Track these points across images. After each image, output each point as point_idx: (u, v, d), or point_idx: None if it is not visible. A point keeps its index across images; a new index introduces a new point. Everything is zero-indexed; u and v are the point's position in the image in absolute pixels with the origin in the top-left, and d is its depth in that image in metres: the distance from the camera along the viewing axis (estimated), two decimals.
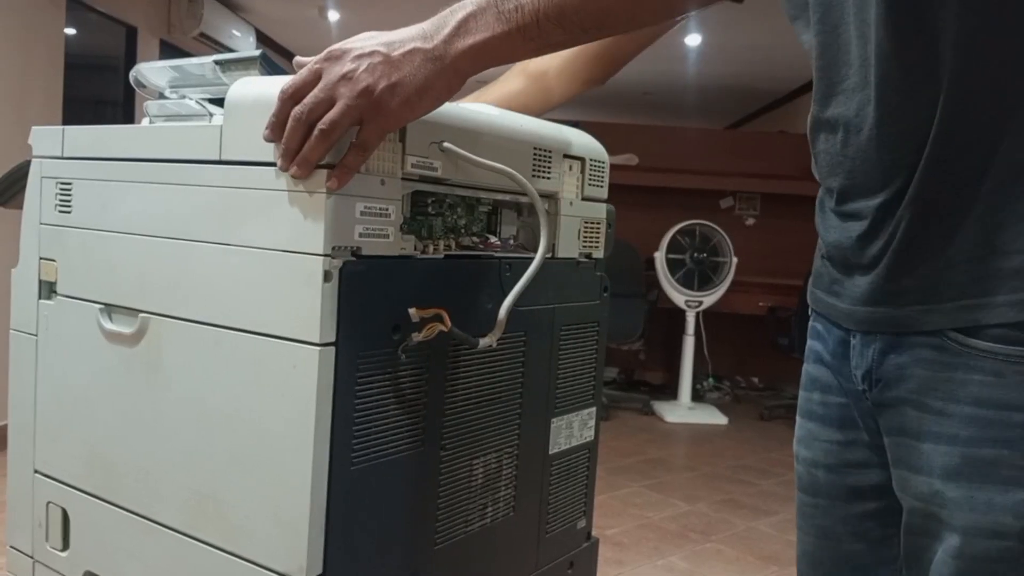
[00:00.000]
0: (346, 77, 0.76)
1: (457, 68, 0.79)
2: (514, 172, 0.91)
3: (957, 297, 0.71)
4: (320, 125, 0.76)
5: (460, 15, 0.79)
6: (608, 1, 0.82)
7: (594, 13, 0.81)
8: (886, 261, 0.75)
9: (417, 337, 0.82)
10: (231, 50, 5.30)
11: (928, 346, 0.73)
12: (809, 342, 0.89)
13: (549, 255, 0.98)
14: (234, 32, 5.51)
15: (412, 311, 0.81)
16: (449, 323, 0.84)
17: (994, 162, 0.70)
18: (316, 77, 0.78)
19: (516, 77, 1.25)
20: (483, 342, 0.89)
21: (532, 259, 0.90)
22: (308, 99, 0.77)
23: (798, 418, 0.90)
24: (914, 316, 0.74)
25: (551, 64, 1.24)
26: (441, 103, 0.81)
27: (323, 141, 0.76)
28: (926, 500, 0.74)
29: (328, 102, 0.76)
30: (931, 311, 0.73)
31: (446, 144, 0.86)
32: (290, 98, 0.78)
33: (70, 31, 3.93)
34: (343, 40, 0.80)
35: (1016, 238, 0.69)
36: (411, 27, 0.80)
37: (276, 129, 0.78)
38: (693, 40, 5.93)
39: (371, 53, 0.77)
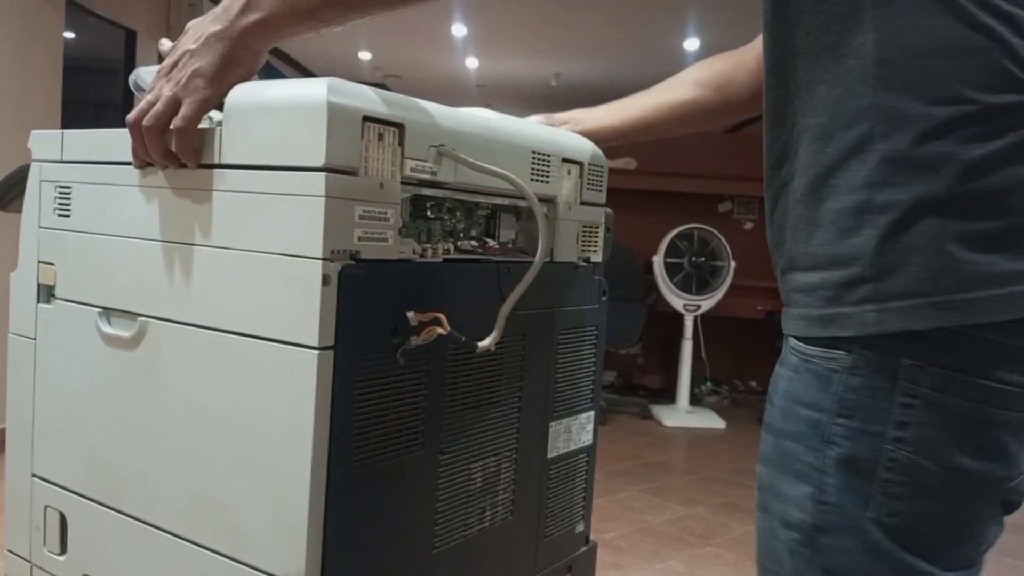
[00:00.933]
0: (169, 81, 0.86)
1: (245, 44, 0.85)
2: (513, 176, 0.91)
3: (785, 304, 0.80)
4: (147, 124, 0.85)
5: None
6: None
7: None
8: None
9: (416, 340, 0.82)
10: None
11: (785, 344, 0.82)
12: None
13: (547, 259, 0.98)
14: None
15: (411, 314, 0.81)
16: (448, 326, 0.84)
17: (790, 184, 0.77)
18: (156, 98, 0.87)
19: (688, 87, 1.25)
20: (481, 345, 0.89)
21: (531, 263, 0.90)
22: (143, 111, 0.86)
23: None
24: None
25: (733, 78, 1.20)
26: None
27: (156, 138, 0.85)
28: (760, 484, 0.80)
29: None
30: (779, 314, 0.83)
31: (445, 148, 0.87)
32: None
33: (69, 35, 3.93)
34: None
35: (803, 256, 0.76)
36: (216, 7, 0.87)
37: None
38: (692, 44, 5.93)
39: (183, 55, 0.86)
